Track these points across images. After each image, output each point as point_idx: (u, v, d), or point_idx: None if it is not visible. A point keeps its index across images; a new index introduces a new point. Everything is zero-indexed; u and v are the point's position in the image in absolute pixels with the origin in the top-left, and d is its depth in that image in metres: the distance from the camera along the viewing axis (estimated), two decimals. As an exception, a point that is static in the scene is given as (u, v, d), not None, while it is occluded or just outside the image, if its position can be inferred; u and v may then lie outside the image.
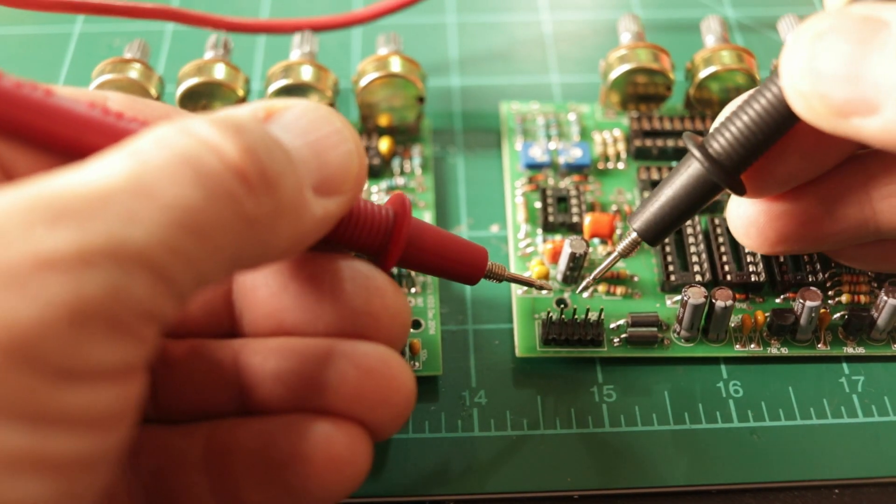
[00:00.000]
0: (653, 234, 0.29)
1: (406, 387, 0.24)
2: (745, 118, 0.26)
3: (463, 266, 0.27)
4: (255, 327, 0.25)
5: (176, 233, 0.17)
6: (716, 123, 0.28)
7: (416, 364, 0.32)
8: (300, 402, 0.23)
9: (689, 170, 0.27)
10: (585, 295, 0.34)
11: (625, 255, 0.30)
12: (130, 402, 0.18)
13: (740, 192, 0.28)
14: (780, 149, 0.27)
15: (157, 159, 0.18)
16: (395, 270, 0.34)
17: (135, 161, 0.18)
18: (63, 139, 0.20)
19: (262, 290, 0.25)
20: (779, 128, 0.26)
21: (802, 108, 0.23)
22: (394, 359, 0.24)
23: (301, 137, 0.21)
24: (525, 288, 0.34)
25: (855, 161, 0.28)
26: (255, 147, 0.19)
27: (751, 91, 0.26)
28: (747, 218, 0.30)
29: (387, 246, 0.25)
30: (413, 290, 0.34)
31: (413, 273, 0.34)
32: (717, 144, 0.27)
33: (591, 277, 0.31)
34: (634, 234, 0.29)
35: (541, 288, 0.31)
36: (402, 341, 0.25)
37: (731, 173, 0.27)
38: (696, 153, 0.27)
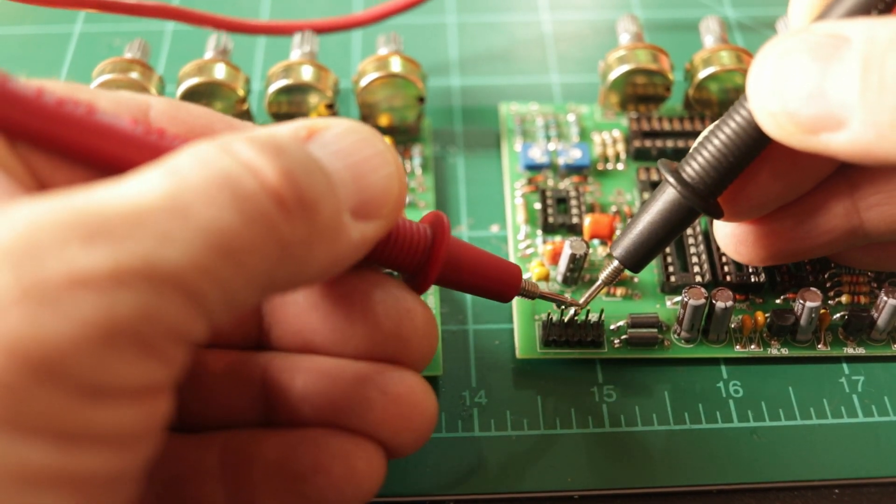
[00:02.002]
0: (634, 261, 0.29)
1: (429, 413, 0.24)
2: (716, 142, 0.26)
3: (498, 284, 0.27)
4: (284, 342, 0.25)
5: (210, 255, 0.17)
6: (692, 149, 0.28)
7: (417, 364, 0.32)
8: (324, 421, 0.24)
9: (665, 196, 0.28)
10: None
11: (609, 282, 0.30)
12: (156, 421, 0.18)
13: (717, 215, 0.28)
14: (754, 171, 0.27)
15: (194, 179, 0.18)
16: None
17: (172, 180, 0.18)
18: (105, 157, 0.20)
19: (292, 308, 0.25)
20: (750, 149, 0.26)
21: (771, 127, 0.23)
22: (420, 385, 0.24)
23: (342, 159, 0.21)
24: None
25: (837, 173, 0.28)
26: (294, 170, 0.19)
27: (723, 116, 0.26)
28: (735, 236, 0.30)
29: (424, 266, 0.24)
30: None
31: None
32: (691, 169, 0.27)
33: (580, 304, 0.31)
34: (616, 263, 0.29)
35: (571, 305, 0.31)
36: (429, 362, 0.25)
37: (705, 198, 0.27)
38: (670, 179, 0.27)
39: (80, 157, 0.20)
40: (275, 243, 0.18)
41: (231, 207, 0.18)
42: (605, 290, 0.34)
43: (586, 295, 0.31)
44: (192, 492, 0.23)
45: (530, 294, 0.28)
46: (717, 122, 0.26)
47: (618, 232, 0.36)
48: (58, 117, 0.20)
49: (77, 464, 0.16)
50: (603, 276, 0.30)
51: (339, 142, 0.21)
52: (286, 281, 0.20)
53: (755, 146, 0.26)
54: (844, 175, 0.28)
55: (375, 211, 0.21)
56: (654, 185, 0.36)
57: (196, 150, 0.19)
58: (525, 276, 0.34)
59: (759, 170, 0.27)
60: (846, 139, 0.22)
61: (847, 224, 0.28)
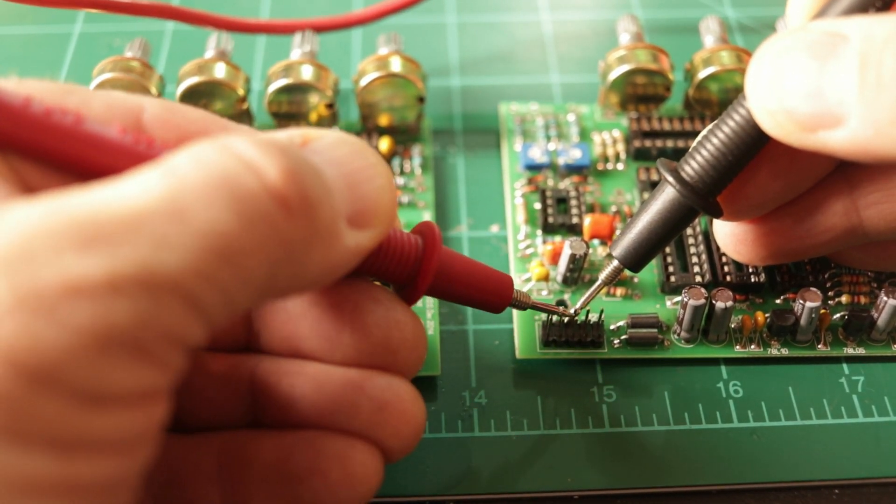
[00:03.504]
0: (634, 261, 0.29)
1: (417, 419, 0.24)
2: (715, 141, 0.26)
3: (489, 295, 0.27)
4: (272, 347, 0.25)
5: (209, 259, 0.17)
6: (691, 148, 0.28)
7: (416, 364, 0.32)
8: (311, 425, 0.24)
9: (664, 195, 0.28)
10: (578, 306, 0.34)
11: (609, 282, 0.30)
12: (154, 425, 0.18)
13: (716, 214, 0.28)
14: (754, 170, 0.27)
15: (193, 180, 0.18)
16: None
17: (170, 181, 0.17)
18: (93, 167, 0.20)
19: (281, 315, 0.25)
20: (749, 148, 0.26)
21: (770, 125, 0.23)
22: (407, 392, 0.24)
23: (336, 167, 0.21)
24: (525, 289, 0.34)
25: (836, 172, 0.28)
26: (296, 170, 0.19)
27: (722, 115, 0.27)
28: (734, 236, 0.30)
29: (415, 277, 0.24)
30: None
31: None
32: (690, 168, 0.27)
33: (579, 305, 0.31)
34: (616, 262, 0.29)
35: (563, 315, 0.31)
36: (416, 371, 0.25)
37: (705, 197, 0.27)
38: (669, 178, 0.27)
39: (68, 167, 0.20)
40: (275, 245, 0.18)
41: (231, 209, 0.17)
42: (605, 290, 0.34)
43: (586, 295, 0.31)
44: (188, 493, 0.23)
45: (522, 305, 0.28)
46: (715, 122, 0.26)
47: (618, 232, 0.36)
48: (45, 127, 0.20)
49: (76, 471, 0.16)
50: (602, 275, 0.30)
51: (333, 151, 0.21)
52: (285, 285, 0.20)
53: (754, 145, 0.26)
54: (843, 173, 0.28)
55: (369, 220, 0.21)
56: (653, 185, 0.36)
57: (195, 150, 0.18)
58: (525, 275, 0.34)
59: (758, 168, 0.27)
60: (844, 137, 0.22)
61: (846, 222, 0.28)
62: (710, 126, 0.27)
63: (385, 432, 0.24)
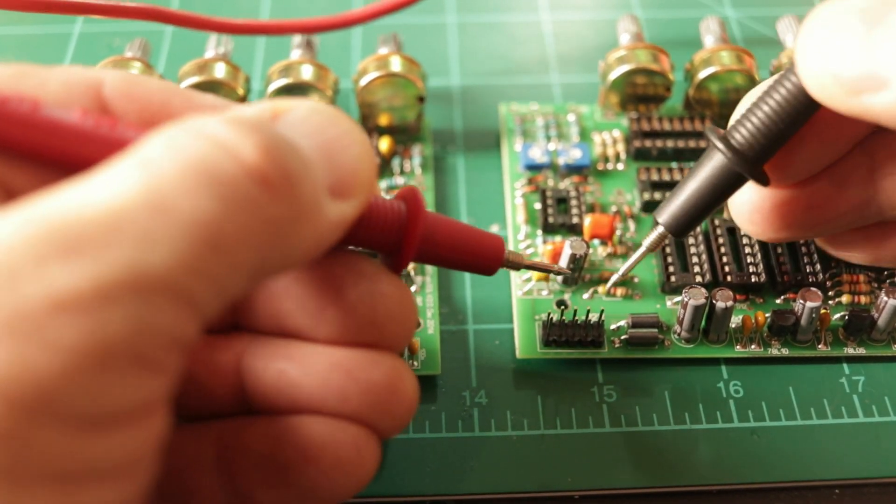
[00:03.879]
0: (679, 227, 0.29)
1: (408, 397, 0.23)
2: (765, 108, 0.26)
3: (480, 258, 0.26)
4: (257, 326, 0.25)
5: (197, 251, 0.16)
6: (735, 115, 0.28)
7: (415, 363, 0.32)
8: (301, 410, 0.23)
9: (713, 162, 0.27)
10: (586, 296, 0.34)
11: (652, 249, 0.30)
12: (156, 438, 0.17)
13: (764, 182, 0.28)
14: (801, 138, 0.27)
15: (169, 169, 0.17)
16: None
17: (146, 173, 0.17)
18: (55, 153, 0.19)
19: (264, 292, 0.24)
20: (798, 117, 0.26)
21: (816, 87, 0.24)
22: (397, 369, 0.23)
23: (310, 139, 0.20)
24: (525, 289, 0.34)
25: (857, 145, 0.29)
26: (273, 146, 0.18)
27: (770, 80, 0.27)
28: (751, 204, 0.30)
29: (400, 244, 0.24)
30: (412, 289, 0.34)
31: (412, 272, 0.34)
32: (740, 136, 0.27)
33: (620, 274, 0.31)
34: (661, 228, 0.29)
35: (559, 273, 0.30)
36: (406, 344, 0.25)
37: (754, 164, 0.27)
38: (720, 145, 0.27)
39: (30, 157, 0.19)
40: (261, 226, 0.18)
41: (212, 195, 0.17)
42: (605, 290, 0.34)
43: (629, 262, 0.31)
44: (188, 483, 0.23)
45: (515, 265, 0.27)
46: (765, 88, 0.26)
47: (618, 232, 0.36)
48: (1, 117, 0.19)
49: (83, 502, 0.15)
50: (647, 242, 0.30)
51: (305, 122, 0.21)
52: (273, 266, 0.19)
53: (803, 113, 0.26)
54: (862, 146, 0.28)
55: (350, 190, 0.21)
56: (654, 186, 0.36)
57: (166, 137, 0.18)
58: (524, 276, 0.34)
59: (804, 137, 0.27)
60: (888, 101, 0.22)
61: (863, 194, 0.28)
62: (757, 90, 0.27)
63: (377, 411, 0.23)
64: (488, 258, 0.26)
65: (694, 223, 0.29)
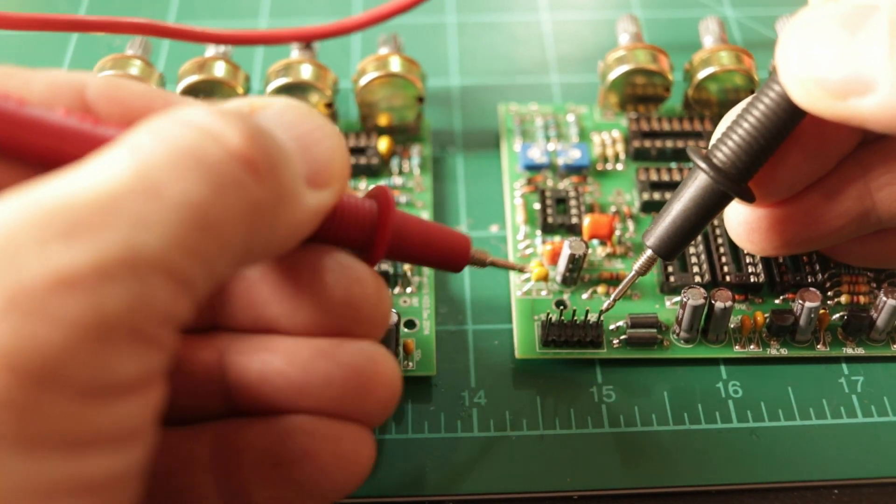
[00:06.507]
0: (667, 250, 0.29)
1: (391, 380, 0.24)
2: (746, 124, 0.26)
3: (447, 255, 0.27)
4: (236, 320, 0.25)
5: (188, 232, 0.17)
6: (716, 133, 0.28)
7: (410, 364, 0.32)
8: (287, 402, 0.24)
9: (697, 182, 0.27)
10: (585, 296, 0.34)
11: (642, 273, 0.30)
12: (154, 409, 0.18)
13: (749, 199, 0.28)
14: (784, 152, 0.27)
15: (159, 154, 0.18)
16: (390, 270, 0.34)
17: (137, 158, 0.17)
18: (39, 150, 0.20)
19: (240, 283, 0.25)
20: (781, 129, 0.26)
21: (801, 94, 0.24)
22: (377, 354, 0.24)
23: (287, 132, 0.21)
24: (525, 289, 0.34)
25: (849, 157, 0.29)
26: (257, 133, 0.19)
27: (749, 98, 0.26)
28: (748, 224, 0.30)
29: (371, 241, 0.25)
30: (409, 290, 0.34)
31: (409, 273, 0.34)
32: (722, 154, 0.27)
33: (612, 299, 0.31)
34: (650, 252, 0.29)
35: (521, 271, 0.31)
36: (384, 329, 0.25)
37: (738, 181, 0.27)
38: (702, 164, 0.27)
39: (15, 153, 0.20)
40: (248, 208, 0.19)
41: (202, 178, 0.18)
42: (605, 289, 0.34)
43: (619, 288, 0.31)
44: (182, 483, 0.23)
45: (480, 263, 0.28)
46: (744, 106, 0.26)
47: (617, 232, 0.36)
48: None
49: (89, 469, 0.16)
50: (636, 266, 0.30)
51: (281, 116, 0.22)
52: (258, 249, 0.20)
53: (786, 125, 0.26)
54: (856, 158, 0.28)
55: (326, 179, 0.22)
56: (653, 186, 0.36)
57: (153, 125, 0.18)
58: (524, 276, 0.34)
59: (788, 150, 0.27)
60: (874, 103, 0.22)
61: (860, 206, 0.28)
62: (736, 110, 0.27)
63: (358, 399, 0.23)
64: (455, 255, 0.27)
65: (682, 245, 0.29)
